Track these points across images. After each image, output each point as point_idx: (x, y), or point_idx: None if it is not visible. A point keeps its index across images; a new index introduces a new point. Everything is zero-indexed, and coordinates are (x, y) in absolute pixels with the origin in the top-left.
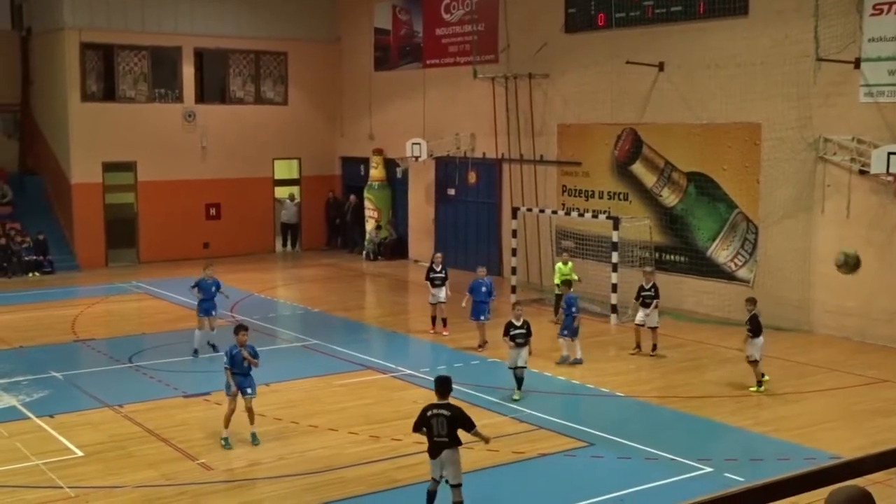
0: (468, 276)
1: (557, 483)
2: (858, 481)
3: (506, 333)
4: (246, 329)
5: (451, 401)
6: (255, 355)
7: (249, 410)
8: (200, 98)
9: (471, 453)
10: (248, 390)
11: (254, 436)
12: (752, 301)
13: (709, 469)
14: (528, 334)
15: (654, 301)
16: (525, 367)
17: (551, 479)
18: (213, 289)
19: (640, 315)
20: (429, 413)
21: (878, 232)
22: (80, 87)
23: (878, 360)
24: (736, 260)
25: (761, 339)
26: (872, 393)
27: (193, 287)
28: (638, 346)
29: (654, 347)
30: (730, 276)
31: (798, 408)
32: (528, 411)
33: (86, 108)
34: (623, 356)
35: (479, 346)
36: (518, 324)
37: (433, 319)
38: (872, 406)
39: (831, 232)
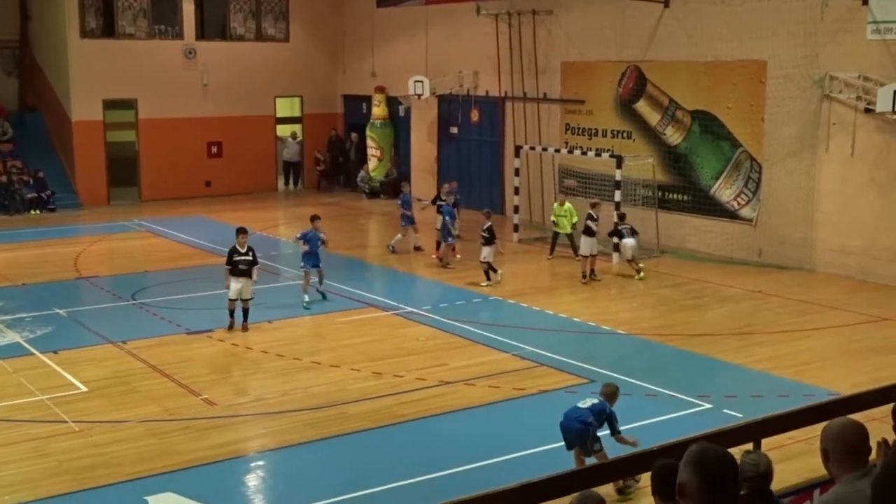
0: (472, 216)
1: (558, 419)
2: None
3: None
4: (320, 218)
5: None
6: (323, 241)
7: (321, 277)
8: (201, 35)
9: (473, 390)
10: (320, 264)
11: (323, 294)
12: (622, 215)
13: (708, 405)
14: (492, 236)
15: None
16: (489, 262)
17: (552, 414)
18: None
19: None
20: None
21: (882, 171)
22: (79, 23)
23: (880, 298)
24: (739, 199)
25: (632, 241)
26: (873, 331)
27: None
28: (587, 273)
29: (593, 273)
30: (733, 215)
31: (798, 345)
32: (530, 348)
33: (85, 44)
34: (624, 294)
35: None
36: (483, 228)
37: (438, 244)
38: (873, 344)
39: (835, 170)
